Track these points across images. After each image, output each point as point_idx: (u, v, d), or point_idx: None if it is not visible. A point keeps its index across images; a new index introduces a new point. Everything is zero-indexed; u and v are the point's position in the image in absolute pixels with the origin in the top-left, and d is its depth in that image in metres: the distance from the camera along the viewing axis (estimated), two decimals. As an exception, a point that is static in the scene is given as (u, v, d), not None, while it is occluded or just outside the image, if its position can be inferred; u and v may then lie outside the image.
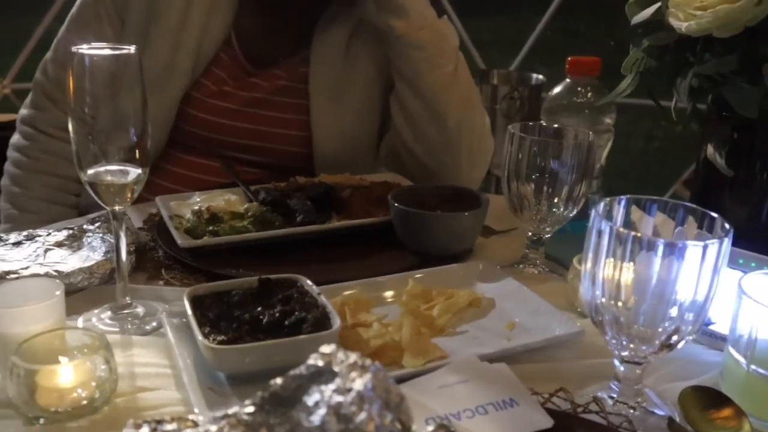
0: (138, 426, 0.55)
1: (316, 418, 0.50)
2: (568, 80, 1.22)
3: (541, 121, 1.04)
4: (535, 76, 2.18)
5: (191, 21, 1.32)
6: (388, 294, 0.94)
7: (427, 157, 1.30)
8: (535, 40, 2.98)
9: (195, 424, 0.56)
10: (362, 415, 0.48)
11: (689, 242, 0.66)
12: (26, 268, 0.97)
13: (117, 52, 0.83)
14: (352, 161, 1.36)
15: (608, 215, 0.73)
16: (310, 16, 1.37)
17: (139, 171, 0.87)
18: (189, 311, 0.80)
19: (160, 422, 0.56)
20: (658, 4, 0.89)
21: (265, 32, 1.37)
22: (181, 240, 1.04)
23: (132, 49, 0.83)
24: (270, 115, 1.36)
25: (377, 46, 1.34)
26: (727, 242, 0.67)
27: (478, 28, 3.19)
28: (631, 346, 0.72)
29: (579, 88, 1.19)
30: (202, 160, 1.37)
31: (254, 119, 1.35)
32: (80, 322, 0.89)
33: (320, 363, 0.52)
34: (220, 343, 0.75)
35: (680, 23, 0.83)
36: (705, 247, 0.66)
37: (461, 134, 1.27)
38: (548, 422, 0.67)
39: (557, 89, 1.22)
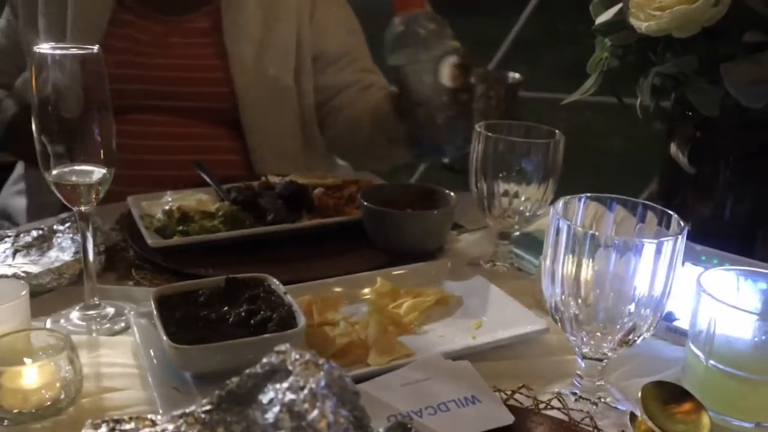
0: (96, 426, 0.56)
1: (270, 416, 0.50)
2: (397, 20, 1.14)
3: (510, 121, 1.04)
4: (511, 74, 2.17)
5: None
6: (358, 292, 0.94)
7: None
8: (514, 40, 2.98)
9: (153, 423, 0.56)
10: (315, 413, 0.49)
11: (645, 240, 0.67)
12: (-6, 269, 0.97)
13: (80, 51, 0.83)
14: (278, 103, 1.42)
15: (567, 214, 0.74)
16: None
17: (104, 171, 0.86)
18: (155, 311, 0.80)
19: (118, 422, 0.56)
20: (620, 5, 0.90)
21: None
22: (151, 239, 1.04)
23: (95, 48, 0.83)
24: (186, 63, 1.39)
25: None
26: (681, 239, 0.68)
27: (456, 29, 3.19)
28: (592, 342, 0.73)
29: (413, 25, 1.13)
30: (137, 116, 1.37)
31: (170, 67, 1.37)
32: (48, 323, 0.89)
33: (275, 361, 0.53)
34: (186, 343, 0.75)
35: (640, 23, 0.85)
36: (660, 245, 0.67)
37: None
38: (509, 419, 0.68)
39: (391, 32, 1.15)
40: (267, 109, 1.42)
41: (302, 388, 0.50)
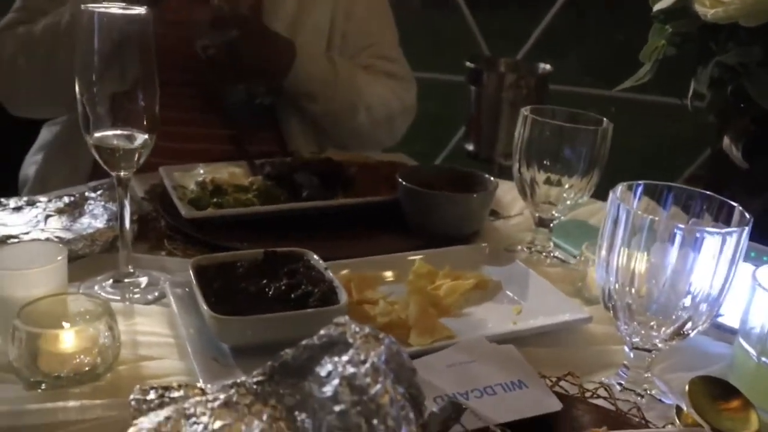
0: (145, 392, 0.55)
1: (329, 389, 0.49)
2: None
3: (554, 106, 1.02)
4: (542, 65, 2.16)
5: None
6: (393, 273, 0.93)
7: None
8: (543, 33, 2.96)
9: (203, 392, 0.55)
10: (377, 387, 0.47)
11: (707, 231, 0.65)
12: (27, 233, 0.96)
13: (127, 11, 0.81)
14: None
15: (624, 200, 0.72)
16: None
17: (146, 137, 0.85)
18: (194, 281, 0.79)
19: (167, 389, 0.55)
20: (683, -10, 0.87)
21: None
22: (185, 211, 1.02)
23: (143, 9, 0.81)
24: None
25: None
26: (746, 233, 0.66)
27: (487, 20, 3.17)
28: (642, 332, 0.71)
29: None
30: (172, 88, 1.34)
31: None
32: (82, 289, 0.88)
33: (334, 333, 0.51)
34: (225, 314, 0.74)
35: (706, 10, 0.82)
36: (724, 237, 0.65)
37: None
38: (557, 405, 0.67)
39: None
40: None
41: (363, 362, 0.48)
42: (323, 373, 0.50)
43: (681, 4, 0.87)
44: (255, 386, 0.53)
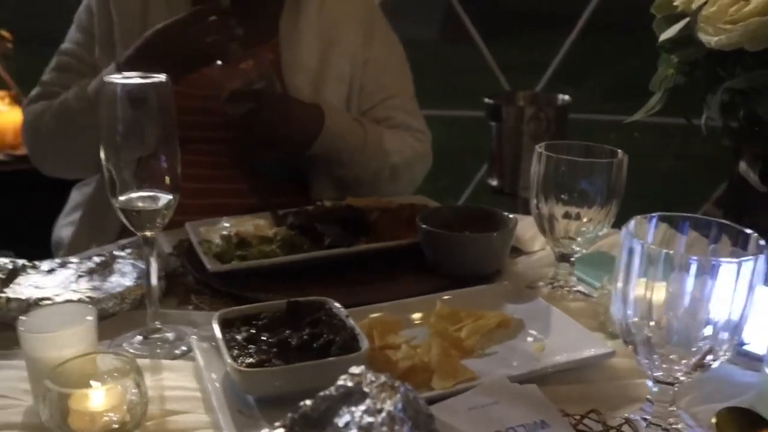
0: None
1: (347, 440, 0.49)
2: None
3: (569, 141, 1.03)
4: (560, 96, 2.17)
5: (150, 23, 1.35)
6: (417, 316, 0.93)
7: None
8: (560, 62, 2.98)
9: (226, 447, 0.56)
10: (393, 436, 0.48)
11: (723, 260, 0.65)
12: (59, 294, 0.98)
13: (148, 80, 0.85)
14: None
15: (639, 234, 0.72)
16: (272, 2, 1.41)
17: (170, 197, 0.88)
18: (218, 334, 0.81)
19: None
20: (687, 20, 0.88)
21: None
22: (210, 265, 1.04)
23: (162, 77, 0.85)
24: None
25: (350, 4, 1.44)
26: (762, 259, 0.66)
27: (502, 51, 3.20)
28: (664, 366, 0.71)
29: None
30: (194, 146, 1.38)
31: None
32: (111, 347, 0.90)
33: (350, 384, 0.52)
34: (249, 366, 0.75)
35: (710, 38, 0.83)
36: (740, 265, 0.64)
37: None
38: (581, 444, 0.66)
39: None
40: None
41: (380, 411, 0.49)
42: (341, 423, 0.51)
43: (686, 32, 0.88)
44: (276, 439, 0.54)
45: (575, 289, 1.03)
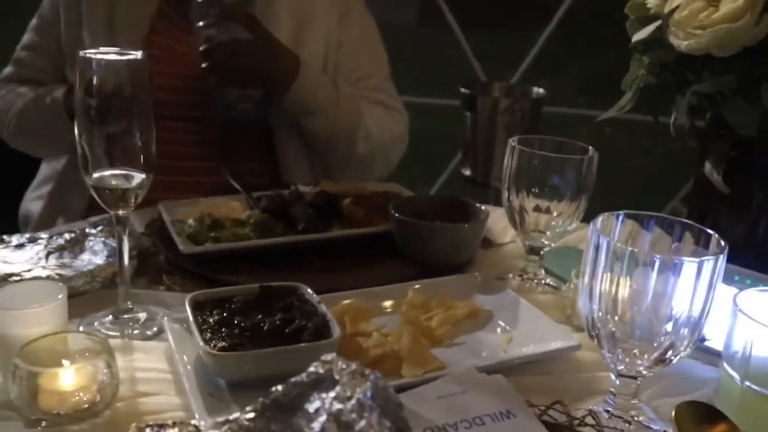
0: (141, 430, 0.56)
1: (317, 425, 0.51)
2: None
3: (542, 136, 1.04)
4: (535, 89, 2.19)
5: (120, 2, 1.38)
6: (388, 304, 0.94)
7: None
8: (537, 53, 3.00)
9: (197, 429, 0.57)
10: (362, 423, 0.49)
11: (685, 259, 0.67)
12: (29, 270, 0.98)
13: (124, 57, 0.84)
14: None
15: (605, 230, 0.74)
16: None
17: (143, 176, 0.88)
18: (190, 317, 0.81)
19: (162, 426, 0.57)
20: (659, 22, 0.90)
21: None
22: (183, 246, 1.05)
23: (139, 54, 0.85)
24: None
25: None
26: (722, 259, 0.68)
27: (480, 40, 3.21)
28: (627, 360, 0.73)
29: None
30: (167, 123, 1.38)
31: (201, 77, 1.37)
32: (82, 325, 0.90)
33: (321, 371, 0.54)
34: (221, 349, 0.76)
35: (680, 42, 0.85)
36: (700, 264, 0.67)
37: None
38: (544, 434, 0.68)
39: None
40: (293, 119, 1.43)
41: (349, 398, 0.50)
42: (312, 409, 0.52)
43: (657, 34, 0.90)
44: (247, 422, 0.55)
45: (544, 281, 1.06)
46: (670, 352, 0.71)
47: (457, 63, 3.08)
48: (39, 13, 1.49)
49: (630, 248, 0.68)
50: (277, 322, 0.80)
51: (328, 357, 0.54)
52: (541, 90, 2.18)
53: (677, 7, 0.84)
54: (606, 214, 0.75)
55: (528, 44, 3.05)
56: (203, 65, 1.28)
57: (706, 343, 0.87)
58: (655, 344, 0.71)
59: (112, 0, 1.40)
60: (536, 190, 1.00)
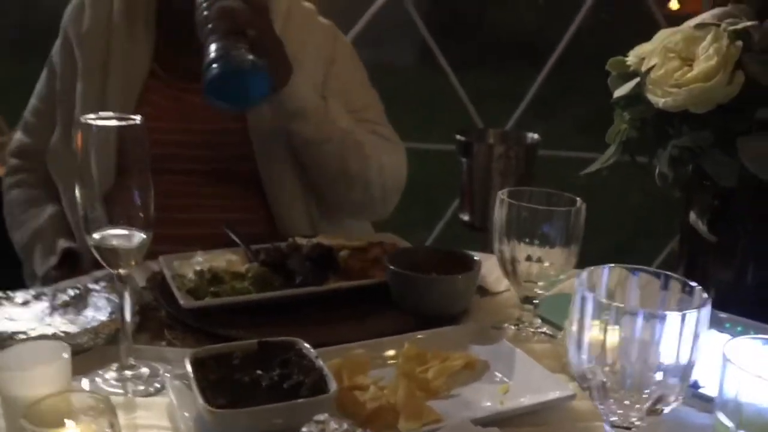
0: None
1: (312, 485, 0.52)
2: None
3: (531, 188, 1.07)
4: (530, 135, 2.23)
5: (114, 59, 1.43)
6: (385, 356, 0.96)
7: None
8: (533, 95, 3.04)
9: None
10: (355, 483, 0.50)
11: (668, 312, 0.69)
12: (33, 328, 1.00)
13: (123, 122, 0.88)
14: (295, 159, 1.43)
15: (592, 282, 0.76)
16: None
17: (144, 235, 0.90)
18: (191, 374, 0.83)
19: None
20: (637, 79, 0.93)
21: (189, 54, 1.34)
22: (183, 301, 1.07)
23: (137, 119, 0.88)
24: (205, 128, 1.43)
25: (311, 34, 1.47)
26: (705, 311, 0.70)
27: (474, 83, 3.25)
28: (620, 411, 0.74)
29: None
30: (166, 176, 1.38)
31: (191, 132, 1.42)
32: (85, 382, 0.92)
33: (314, 430, 0.55)
34: (221, 406, 0.78)
35: (658, 99, 0.88)
36: (683, 316, 0.69)
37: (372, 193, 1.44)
38: (538, 486, 0.69)
39: None
40: (284, 167, 1.44)
41: (342, 458, 0.52)
42: (306, 468, 0.54)
43: (636, 90, 0.93)
44: (245, 482, 0.57)
45: (540, 330, 1.07)
46: (660, 402, 0.73)
47: (453, 106, 3.12)
48: (42, 79, 1.54)
49: (615, 304, 0.70)
50: (276, 378, 0.81)
51: (321, 417, 0.56)
52: (535, 135, 2.21)
53: (654, 66, 0.88)
54: (592, 268, 0.77)
55: (524, 86, 3.09)
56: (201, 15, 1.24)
57: (701, 390, 0.88)
58: (646, 394, 0.72)
59: (106, 71, 1.44)
60: (527, 240, 1.02)
